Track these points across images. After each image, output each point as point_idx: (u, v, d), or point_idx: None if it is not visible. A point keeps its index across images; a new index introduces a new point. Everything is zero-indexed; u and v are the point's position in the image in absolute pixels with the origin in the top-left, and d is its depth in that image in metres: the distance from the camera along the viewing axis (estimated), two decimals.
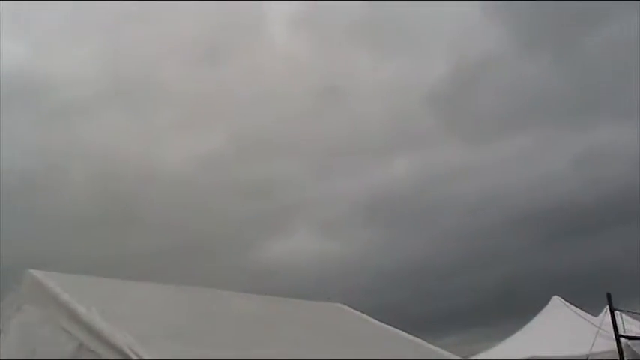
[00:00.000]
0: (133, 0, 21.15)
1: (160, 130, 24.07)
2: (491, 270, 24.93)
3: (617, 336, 12.19)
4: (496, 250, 24.75)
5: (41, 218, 18.98)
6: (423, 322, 19.30)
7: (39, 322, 5.35)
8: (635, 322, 14.06)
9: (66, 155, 21.84)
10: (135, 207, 21.96)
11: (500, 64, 25.35)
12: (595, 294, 14.40)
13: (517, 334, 15.56)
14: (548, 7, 22.49)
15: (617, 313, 12.50)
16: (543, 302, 15.84)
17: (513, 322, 16.44)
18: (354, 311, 8.72)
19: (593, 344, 12.49)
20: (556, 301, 15.55)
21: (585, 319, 14.34)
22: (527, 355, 13.48)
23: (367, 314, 8.62)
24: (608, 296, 12.56)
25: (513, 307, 21.09)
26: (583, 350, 12.75)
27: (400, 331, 8.06)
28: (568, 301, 15.39)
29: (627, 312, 13.63)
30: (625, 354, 12.21)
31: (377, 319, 8.43)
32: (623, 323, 12.80)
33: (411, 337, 7.89)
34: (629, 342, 12.70)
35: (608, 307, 12.61)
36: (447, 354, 7.55)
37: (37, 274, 5.61)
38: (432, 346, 7.70)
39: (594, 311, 14.56)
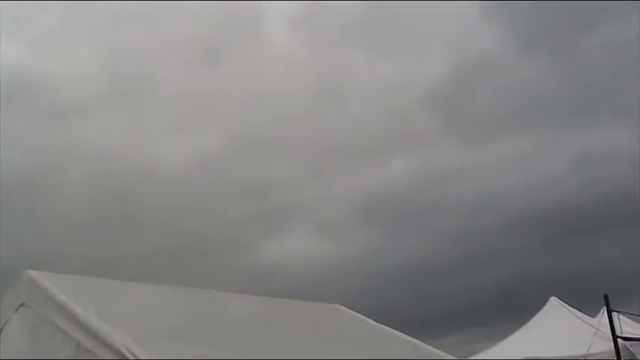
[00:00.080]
0: (132, 0, 21.15)
1: (158, 131, 24.10)
2: (489, 270, 24.99)
3: (615, 337, 12.22)
4: (494, 250, 24.82)
5: (39, 218, 19.00)
6: (421, 323, 19.35)
7: (36, 323, 5.35)
8: (633, 323, 14.10)
9: (64, 155, 21.88)
10: (133, 208, 22.00)
11: (498, 64, 25.44)
12: (593, 295, 14.45)
13: (515, 335, 15.59)
14: (546, 8, 22.58)
15: (614, 314, 12.53)
16: (541, 303, 15.88)
17: (511, 323, 16.51)
18: (352, 312, 8.71)
19: (590, 345, 12.52)
20: (554, 302, 15.58)
21: (583, 320, 14.38)
22: (525, 355, 13.51)
23: (365, 315, 8.61)
24: (606, 297, 12.59)
25: (511, 308, 21.15)
26: (580, 351, 12.78)
27: (398, 332, 8.05)
28: (566, 302, 15.42)
29: (625, 313, 13.67)
30: (622, 355, 12.23)
31: (374, 320, 8.42)
32: (620, 324, 12.83)
33: (408, 337, 7.88)
34: (627, 343, 12.74)
35: (605, 308, 12.64)
36: (444, 355, 7.54)
37: (34, 274, 5.59)
38: (430, 347, 7.69)
39: (592, 312, 14.61)
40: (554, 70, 25.92)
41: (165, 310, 6.29)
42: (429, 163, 26.22)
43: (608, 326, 12.28)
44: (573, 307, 15.12)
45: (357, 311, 8.75)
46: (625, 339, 12.70)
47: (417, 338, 7.90)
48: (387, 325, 8.26)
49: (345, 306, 8.93)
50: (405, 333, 8.04)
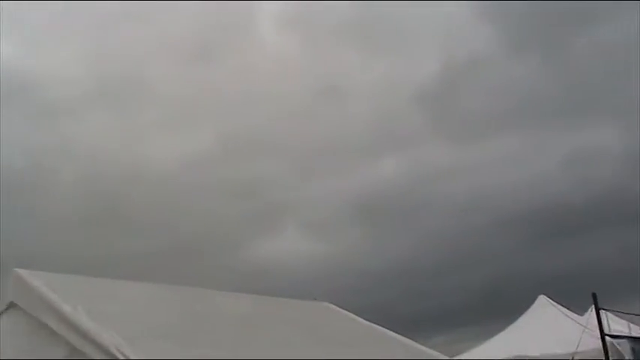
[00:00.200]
0: (122, 0, 21.06)
1: (149, 130, 24.00)
2: (479, 270, 25.03)
3: (603, 335, 12.30)
4: (484, 249, 24.86)
5: (29, 218, 18.87)
6: (411, 322, 19.36)
7: (25, 322, 5.32)
8: (621, 321, 14.18)
9: (54, 155, 21.73)
10: (123, 207, 21.88)
11: (488, 63, 25.45)
12: (581, 294, 14.53)
13: (503, 334, 15.63)
14: (537, 8, 22.60)
15: (602, 312, 12.61)
16: (530, 302, 15.93)
17: (500, 322, 16.52)
18: (342, 310, 8.73)
19: (579, 343, 12.60)
20: (542, 300, 15.64)
21: (571, 318, 14.45)
22: (514, 354, 13.57)
23: (355, 314, 8.63)
24: (594, 296, 12.66)
25: (500, 307, 21.19)
26: (569, 349, 12.85)
27: (388, 331, 8.08)
28: (554, 301, 15.48)
29: (613, 311, 13.77)
30: (610, 353, 12.31)
31: (365, 319, 8.44)
32: (608, 322, 12.91)
33: (399, 336, 7.92)
34: (615, 341, 12.82)
35: (593, 306, 12.71)
36: (435, 354, 7.58)
37: (23, 273, 5.56)
38: (420, 346, 7.73)
39: (580, 311, 14.68)
40: (545, 70, 26.01)
41: (155, 308, 6.27)
42: (419, 163, 26.25)
43: (597, 324, 12.36)
44: (562, 305, 15.19)
45: (348, 310, 8.77)
46: (613, 337, 12.79)
47: (407, 337, 7.93)
48: (377, 324, 8.28)
49: (335, 305, 8.95)
50: (396, 332, 8.06)
